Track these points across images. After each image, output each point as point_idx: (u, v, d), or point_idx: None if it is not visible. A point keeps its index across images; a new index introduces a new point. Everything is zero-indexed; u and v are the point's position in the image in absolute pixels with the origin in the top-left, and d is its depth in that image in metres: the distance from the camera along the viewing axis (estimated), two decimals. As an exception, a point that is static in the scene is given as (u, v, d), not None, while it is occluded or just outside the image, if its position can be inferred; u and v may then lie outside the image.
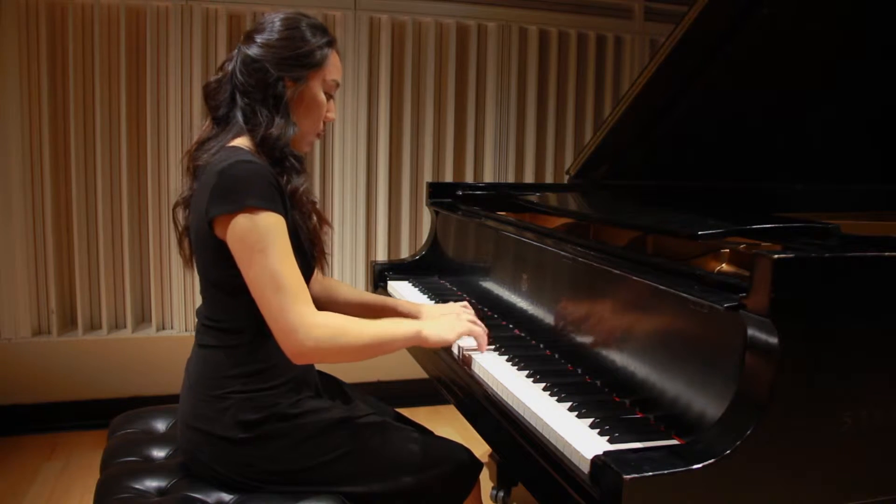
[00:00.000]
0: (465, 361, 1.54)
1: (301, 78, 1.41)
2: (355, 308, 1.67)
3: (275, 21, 1.42)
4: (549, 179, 3.45)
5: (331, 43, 1.45)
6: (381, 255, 3.22)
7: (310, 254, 1.44)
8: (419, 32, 3.20)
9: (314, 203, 1.47)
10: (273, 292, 1.26)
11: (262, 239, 1.26)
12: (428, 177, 3.24)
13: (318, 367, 1.57)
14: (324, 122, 1.50)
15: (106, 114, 2.85)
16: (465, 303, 1.65)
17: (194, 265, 1.45)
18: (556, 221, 2.09)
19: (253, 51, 1.40)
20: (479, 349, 1.53)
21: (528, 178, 3.40)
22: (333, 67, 1.46)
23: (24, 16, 2.73)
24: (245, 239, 1.27)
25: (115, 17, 2.82)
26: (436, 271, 2.33)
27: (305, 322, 1.27)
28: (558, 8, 3.34)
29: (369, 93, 3.14)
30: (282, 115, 1.39)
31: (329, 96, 1.48)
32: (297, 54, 1.40)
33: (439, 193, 2.35)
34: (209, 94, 1.44)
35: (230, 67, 1.42)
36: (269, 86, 1.38)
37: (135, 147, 2.90)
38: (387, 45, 3.13)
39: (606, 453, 1.01)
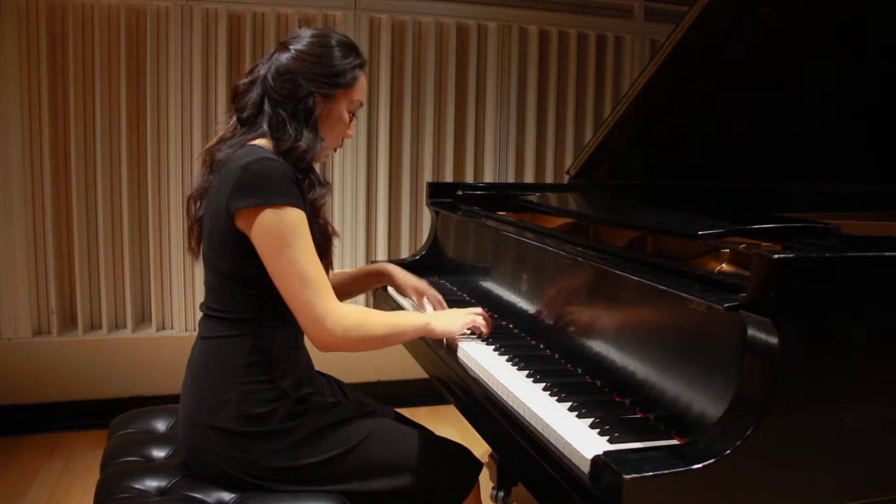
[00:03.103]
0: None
1: (330, 96, 1.46)
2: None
3: (309, 35, 1.46)
4: (549, 179, 3.45)
5: (362, 65, 1.50)
6: (381, 255, 3.22)
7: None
8: (419, 32, 3.20)
9: (328, 220, 1.52)
10: (301, 285, 1.31)
11: (289, 234, 1.31)
12: (428, 177, 3.24)
13: (318, 366, 1.58)
14: (342, 139, 1.55)
15: (106, 114, 2.85)
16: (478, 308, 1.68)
17: (201, 255, 1.48)
18: (556, 221, 2.09)
19: (287, 61, 1.43)
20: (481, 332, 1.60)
21: (528, 178, 3.40)
22: (360, 89, 1.51)
23: (24, 16, 2.73)
24: (272, 234, 1.31)
25: (115, 17, 2.82)
26: (436, 271, 2.33)
27: (333, 313, 1.33)
28: (558, 8, 3.34)
29: (369, 93, 3.13)
30: (311, 130, 1.43)
31: (352, 115, 1.52)
32: (330, 72, 1.44)
33: (439, 193, 2.35)
34: (237, 95, 1.48)
35: (262, 72, 1.45)
36: (299, 99, 1.42)
37: (135, 147, 2.90)
38: (387, 45, 3.13)
39: (606, 453, 1.01)
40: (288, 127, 1.41)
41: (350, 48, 1.48)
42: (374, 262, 2.26)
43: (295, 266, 1.31)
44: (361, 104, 1.54)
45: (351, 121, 1.53)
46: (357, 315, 1.37)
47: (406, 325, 1.47)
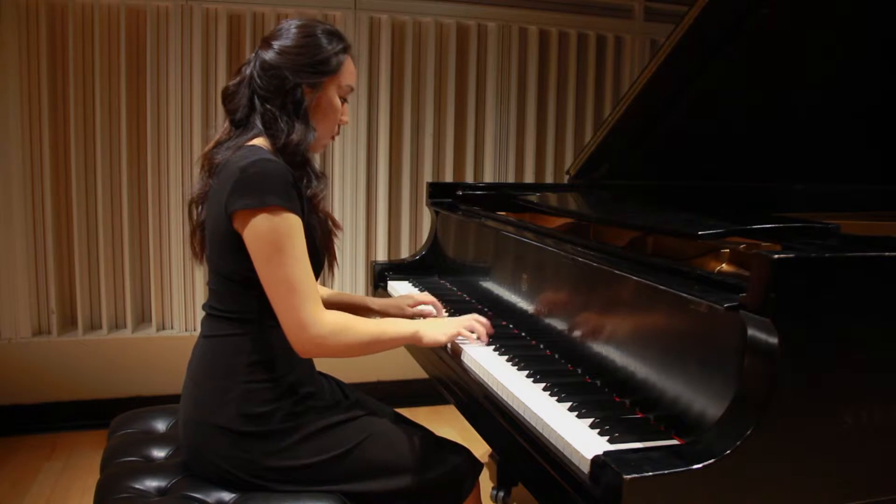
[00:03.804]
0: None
1: (318, 84, 1.45)
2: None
3: (291, 28, 1.46)
4: (549, 179, 3.45)
5: (346, 49, 1.49)
6: (381, 255, 3.22)
7: (321, 257, 1.48)
8: (419, 32, 3.20)
9: (329, 212, 1.51)
10: (287, 291, 1.31)
11: (281, 239, 1.31)
12: (428, 177, 3.24)
13: (318, 367, 1.57)
14: (338, 126, 1.54)
15: (106, 114, 2.85)
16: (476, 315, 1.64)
17: (204, 259, 1.48)
18: (556, 221, 2.09)
19: (270, 56, 1.43)
20: (476, 340, 1.56)
21: (528, 178, 3.40)
22: (348, 73, 1.50)
23: (24, 16, 2.73)
24: (264, 237, 1.31)
25: (115, 17, 2.82)
26: (436, 271, 2.33)
27: (315, 320, 1.32)
28: (558, 8, 3.34)
29: (369, 93, 3.14)
30: (301, 121, 1.43)
31: (343, 100, 1.52)
32: (314, 61, 1.44)
33: (439, 193, 2.35)
34: (227, 97, 1.48)
35: (248, 71, 1.45)
36: (287, 92, 1.42)
37: (135, 147, 2.90)
38: (387, 45, 3.13)
39: (606, 453, 1.01)
40: (279, 121, 1.41)
41: (332, 34, 1.47)
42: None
43: (283, 270, 1.31)
44: (352, 89, 1.53)
45: (344, 106, 1.52)
46: (340, 324, 1.36)
47: (392, 333, 1.45)
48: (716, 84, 1.89)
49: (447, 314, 1.82)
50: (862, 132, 2.12)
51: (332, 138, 1.57)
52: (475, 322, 1.57)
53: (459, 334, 1.54)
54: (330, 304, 1.69)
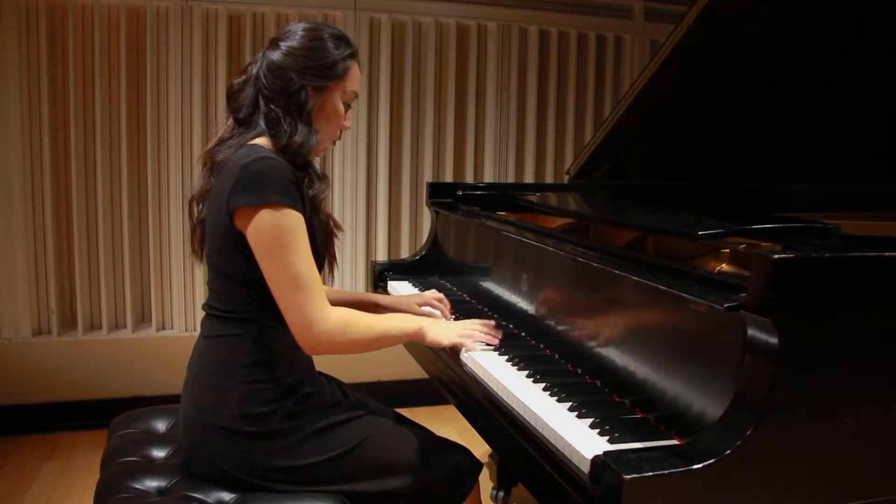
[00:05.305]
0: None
1: (323, 88, 1.46)
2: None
3: (299, 30, 1.47)
4: (549, 179, 3.45)
5: (353, 55, 1.50)
6: (381, 255, 3.22)
7: (322, 258, 1.48)
8: (419, 32, 3.20)
9: (330, 213, 1.52)
10: (292, 287, 1.31)
11: (283, 235, 1.31)
12: (428, 177, 3.24)
13: (318, 366, 1.58)
14: (339, 131, 1.54)
15: (106, 114, 2.85)
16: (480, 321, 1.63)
17: (204, 256, 1.48)
18: (556, 221, 2.09)
19: (277, 57, 1.43)
20: (475, 346, 1.55)
21: (528, 178, 3.40)
22: (354, 79, 1.51)
23: (24, 16, 2.73)
24: (267, 233, 1.31)
25: (115, 17, 2.82)
26: (436, 271, 2.33)
27: (321, 317, 1.33)
28: (558, 8, 3.34)
29: (369, 93, 3.14)
30: (305, 123, 1.43)
31: (347, 106, 1.52)
32: (321, 64, 1.44)
33: (439, 193, 2.35)
34: (232, 95, 1.48)
35: (254, 70, 1.45)
36: (292, 94, 1.42)
37: (135, 147, 2.90)
38: (387, 45, 3.13)
39: (606, 453, 1.01)
40: (283, 122, 1.41)
41: (340, 39, 1.48)
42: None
43: (287, 267, 1.31)
44: (356, 95, 1.54)
45: (347, 112, 1.53)
46: (346, 320, 1.37)
47: (397, 328, 1.47)
48: (716, 84, 1.89)
49: (451, 319, 1.81)
50: (862, 132, 2.12)
51: (333, 143, 1.57)
52: (480, 330, 1.56)
53: (462, 344, 1.53)
54: (337, 302, 1.69)
